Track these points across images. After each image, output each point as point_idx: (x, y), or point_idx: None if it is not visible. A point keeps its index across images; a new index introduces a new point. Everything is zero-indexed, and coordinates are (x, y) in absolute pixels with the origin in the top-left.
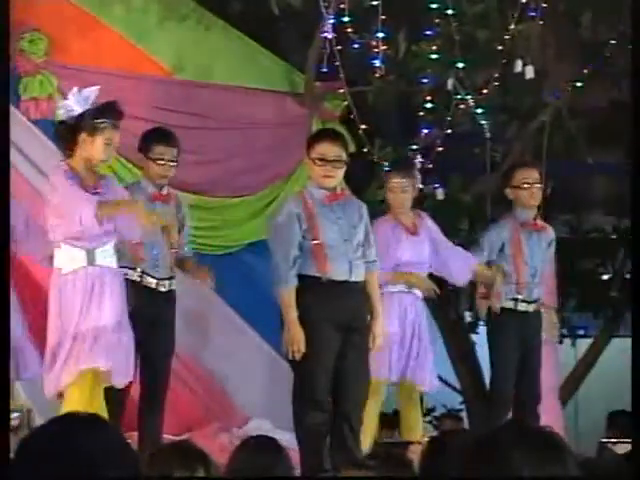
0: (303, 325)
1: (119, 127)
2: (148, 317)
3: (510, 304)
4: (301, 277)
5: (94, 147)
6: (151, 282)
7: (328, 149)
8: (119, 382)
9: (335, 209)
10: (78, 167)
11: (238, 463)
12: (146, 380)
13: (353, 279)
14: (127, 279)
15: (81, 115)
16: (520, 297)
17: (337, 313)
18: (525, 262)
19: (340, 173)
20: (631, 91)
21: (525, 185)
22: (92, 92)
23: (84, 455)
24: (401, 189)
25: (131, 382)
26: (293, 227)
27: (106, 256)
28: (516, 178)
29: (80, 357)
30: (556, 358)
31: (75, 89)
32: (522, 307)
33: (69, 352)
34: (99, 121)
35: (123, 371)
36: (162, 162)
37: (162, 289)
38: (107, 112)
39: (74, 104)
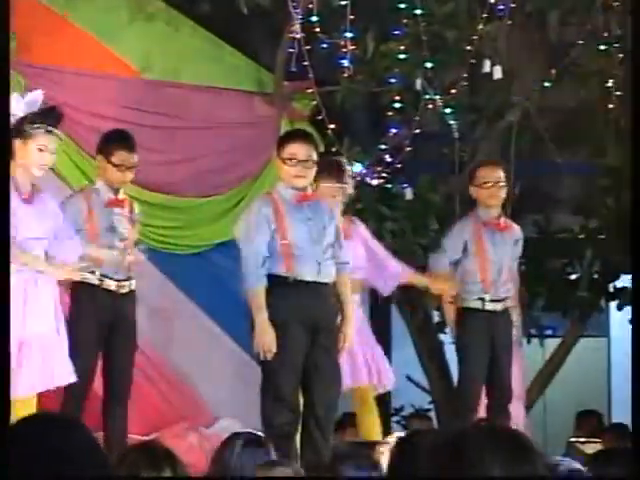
0: (271, 325)
1: (56, 133)
2: (109, 320)
3: (477, 304)
4: (269, 277)
5: (27, 153)
6: (111, 284)
7: (299, 149)
8: (61, 383)
9: (305, 209)
10: (16, 173)
11: (225, 459)
12: (110, 381)
13: (321, 280)
14: (87, 283)
15: (20, 120)
16: (487, 296)
17: (305, 313)
18: (489, 261)
19: (311, 173)
20: (631, 91)
21: (485, 185)
22: (37, 96)
23: (56, 455)
24: (330, 194)
25: (88, 384)
26: (262, 227)
27: (37, 259)
28: (478, 177)
29: (32, 376)
30: (521, 360)
31: (15, 94)
32: (489, 306)
33: (17, 363)
34: (31, 126)
35: (65, 373)
36: (123, 168)
37: (122, 291)
38: (44, 117)
39: (16, 109)
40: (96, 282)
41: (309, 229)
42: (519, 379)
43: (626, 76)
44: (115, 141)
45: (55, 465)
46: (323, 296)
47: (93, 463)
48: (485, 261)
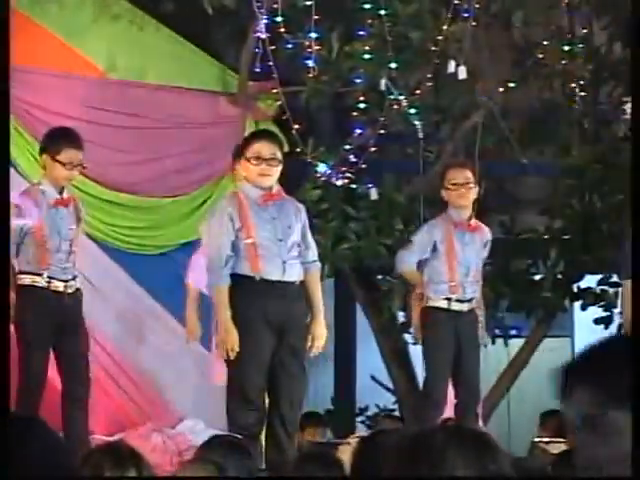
0: (237, 325)
1: None
2: (59, 320)
3: (444, 303)
4: (235, 276)
5: None
6: (59, 286)
7: (264, 148)
8: None
9: (270, 209)
10: None
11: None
12: (67, 381)
13: (287, 279)
14: (35, 286)
15: None
16: (454, 297)
17: (270, 313)
18: (458, 261)
19: (275, 172)
20: (631, 91)
21: (453, 186)
22: None
23: (20, 455)
24: None
25: (41, 385)
26: (226, 226)
27: None
28: (447, 179)
29: None
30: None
31: None
32: (456, 306)
33: None
34: None
35: None
36: (71, 166)
37: (70, 291)
38: None
39: None
40: (44, 284)
41: (273, 228)
42: None
43: (591, 79)
44: (62, 139)
45: (17, 464)
46: (290, 295)
47: (55, 461)
48: (454, 262)
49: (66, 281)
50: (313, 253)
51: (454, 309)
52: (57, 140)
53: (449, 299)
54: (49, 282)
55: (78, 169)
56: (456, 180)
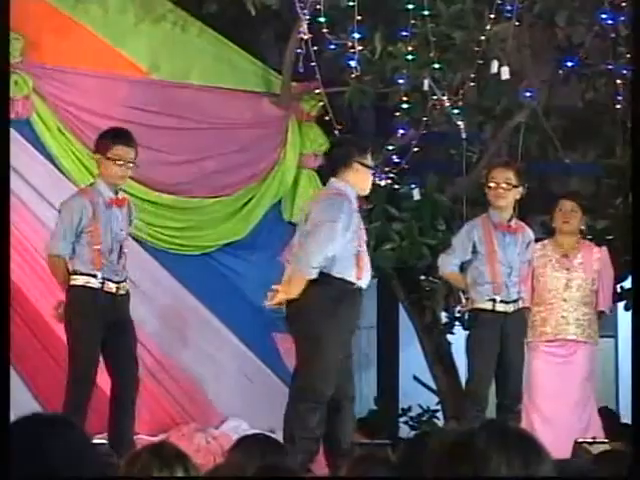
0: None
1: None
2: (112, 321)
3: (488, 305)
4: (341, 281)
5: None
6: (112, 287)
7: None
8: None
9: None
10: None
11: (238, 462)
12: (115, 381)
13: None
14: (88, 287)
15: None
16: (498, 297)
17: (358, 319)
18: (500, 262)
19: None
20: (631, 91)
21: (492, 184)
22: None
23: (48, 455)
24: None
25: (92, 385)
26: (345, 233)
27: None
28: (489, 177)
29: None
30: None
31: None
32: (501, 307)
33: None
34: None
35: None
36: (121, 163)
37: (121, 292)
38: None
39: None
40: (98, 285)
41: (364, 236)
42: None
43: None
44: (112, 137)
45: (47, 465)
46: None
47: (86, 463)
48: (495, 262)
49: (118, 282)
50: None
51: (499, 310)
52: (107, 138)
53: (494, 300)
54: (102, 283)
55: (130, 167)
56: (496, 179)
